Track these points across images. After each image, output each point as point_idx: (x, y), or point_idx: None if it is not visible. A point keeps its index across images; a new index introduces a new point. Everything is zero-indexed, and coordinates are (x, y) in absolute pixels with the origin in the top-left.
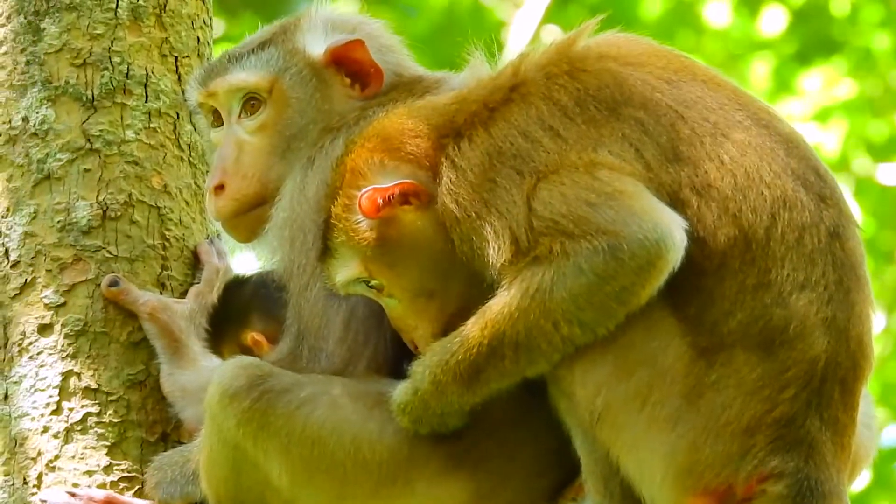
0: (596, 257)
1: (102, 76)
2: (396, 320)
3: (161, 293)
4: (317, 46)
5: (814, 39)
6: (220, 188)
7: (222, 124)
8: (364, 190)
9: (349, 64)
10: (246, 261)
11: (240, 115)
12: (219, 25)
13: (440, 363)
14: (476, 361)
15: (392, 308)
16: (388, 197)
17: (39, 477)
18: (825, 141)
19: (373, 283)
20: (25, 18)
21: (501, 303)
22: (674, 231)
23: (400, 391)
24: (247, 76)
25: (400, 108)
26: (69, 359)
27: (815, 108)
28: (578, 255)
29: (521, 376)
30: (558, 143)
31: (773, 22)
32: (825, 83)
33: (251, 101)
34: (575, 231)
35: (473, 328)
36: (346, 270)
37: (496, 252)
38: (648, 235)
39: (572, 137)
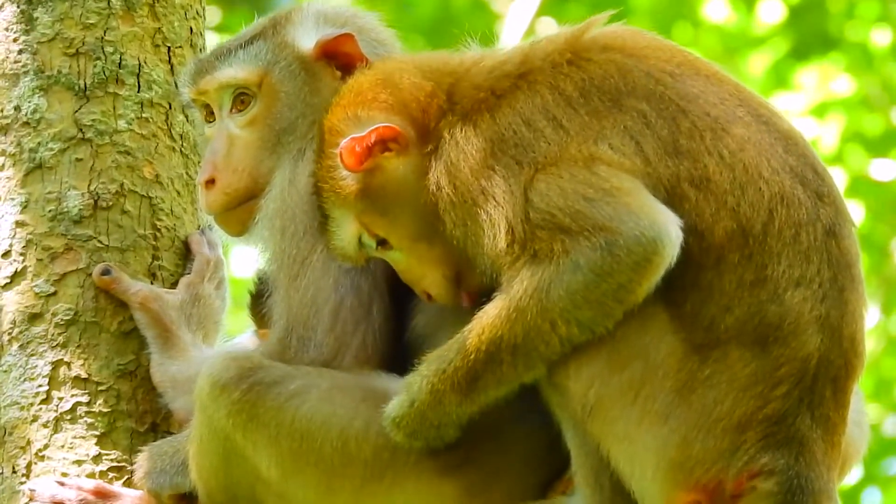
0: (593, 254)
1: (95, 66)
2: (405, 273)
3: (152, 283)
4: (307, 40)
5: (811, 35)
6: (210, 182)
7: (215, 119)
8: (342, 143)
9: (339, 57)
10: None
11: (231, 110)
12: (215, 15)
13: (437, 372)
14: (474, 368)
15: (398, 262)
16: (367, 144)
17: (28, 466)
18: (821, 136)
19: (370, 238)
20: (18, 7)
21: (498, 306)
22: (670, 228)
23: (393, 405)
24: (235, 72)
25: (372, 67)
26: (59, 348)
27: (812, 104)
28: (575, 252)
29: (518, 382)
30: (560, 133)
31: (771, 16)
32: (822, 78)
33: (241, 96)
34: (572, 227)
35: (470, 334)
36: (344, 231)
37: (491, 241)
38: (645, 232)
39: (574, 128)
